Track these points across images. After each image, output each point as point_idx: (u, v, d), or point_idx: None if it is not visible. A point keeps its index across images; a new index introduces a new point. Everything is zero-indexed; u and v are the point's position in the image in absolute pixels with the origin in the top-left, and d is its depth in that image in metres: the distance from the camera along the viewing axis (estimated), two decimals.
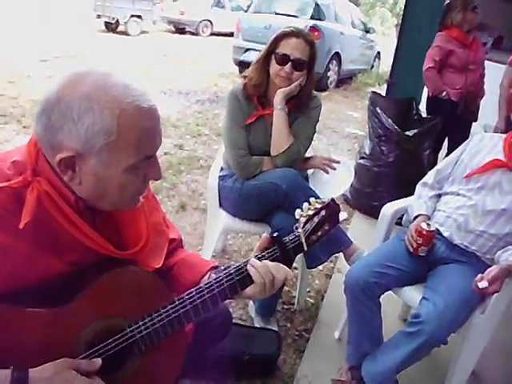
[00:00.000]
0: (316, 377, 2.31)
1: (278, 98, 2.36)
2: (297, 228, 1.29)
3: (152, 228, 1.28)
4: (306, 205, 1.34)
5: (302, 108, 2.45)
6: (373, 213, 3.55)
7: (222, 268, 1.32)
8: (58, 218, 1.08)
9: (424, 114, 4.04)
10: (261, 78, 2.37)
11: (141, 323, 1.15)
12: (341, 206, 3.84)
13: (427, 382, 2.39)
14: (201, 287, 1.19)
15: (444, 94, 3.97)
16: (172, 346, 1.26)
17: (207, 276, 1.35)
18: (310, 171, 2.62)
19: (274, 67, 2.34)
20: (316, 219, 1.31)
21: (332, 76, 9.55)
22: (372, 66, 12.27)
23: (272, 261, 1.23)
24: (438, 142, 4.04)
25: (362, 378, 2.09)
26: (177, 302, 1.17)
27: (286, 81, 2.34)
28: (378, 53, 12.60)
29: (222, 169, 2.56)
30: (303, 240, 1.28)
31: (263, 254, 1.24)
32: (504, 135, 2.26)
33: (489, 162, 2.16)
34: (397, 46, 4.20)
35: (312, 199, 1.35)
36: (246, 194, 2.39)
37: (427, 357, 1.97)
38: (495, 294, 1.94)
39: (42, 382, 0.99)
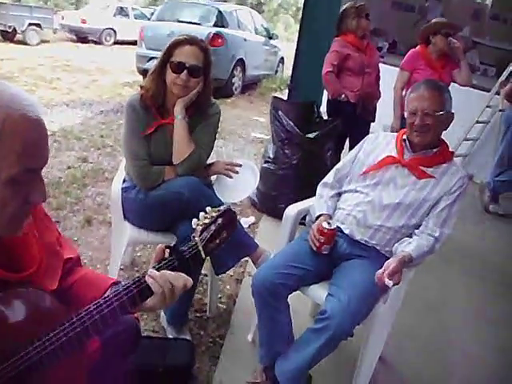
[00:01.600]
0: (232, 381, 2.32)
1: (178, 108, 2.36)
2: (194, 237, 1.30)
3: (45, 249, 1.23)
4: (202, 214, 1.36)
5: (201, 115, 2.47)
6: (280, 215, 3.53)
7: (123, 283, 1.30)
8: None
9: (325, 117, 4.16)
10: (158, 88, 2.36)
11: (37, 344, 1.11)
12: (248, 210, 3.94)
13: (339, 373, 2.46)
14: (99, 302, 1.16)
15: (343, 96, 4.13)
16: (73, 367, 1.21)
17: (108, 292, 1.32)
18: (213, 177, 2.63)
19: (170, 76, 2.33)
20: (213, 227, 1.32)
21: (237, 82, 9.63)
22: (276, 71, 12.50)
23: (171, 270, 1.23)
24: (339, 143, 4.18)
25: (275, 377, 2.12)
26: (74, 319, 1.14)
27: (183, 89, 2.33)
28: (282, 58, 12.86)
29: (124, 180, 2.52)
30: (201, 248, 1.29)
31: (161, 264, 1.24)
32: (396, 133, 2.38)
33: (383, 159, 2.27)
34: (296, 52, 4.29)
35: (208, 208, 1.37)
36: (149, 205, 2.36)
37: (338, 349, 2.03)
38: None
39: None
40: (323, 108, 4.33)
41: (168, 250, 1.28)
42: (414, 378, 2.61)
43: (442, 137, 2.29)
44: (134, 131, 2.36)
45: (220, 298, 2.94)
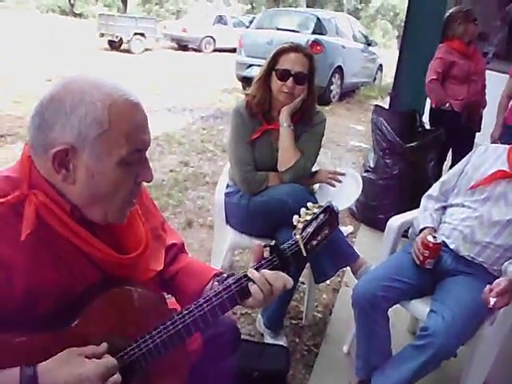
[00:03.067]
0: None
1: (284, 116, 2.39)
2: (295, 234, 1.27)
3: (150, 232, 1.28)
4: (303, 210, 1.32)
5: (306, 122, 2.48)
6: (378, 226, 3.56)
7: (225, 275, 1.33)
8: (57, 227, 1.09)
9: (427, 126, 4.05)
10: (263, 95, 2.41)
11: (141, 341, 1.16)
12: (346, 219, 3.90)
13: None
14: (200, 301, 1.19)
15: (447, 105, 3.99)
16: (176, 364, 1.26)
17: (210, 284, 1.36)
18: (316, 186, 2.64)
19: (275, 83, 2.37)
20: (314, 224, 1.28)
21: (335, 89, 9.59)
22: (374, 79, 12.32)
23: (271, 269, 1.22)
24: (442, 154, 4.05)
25: None
26: (176, 318, 1.18)
27: (289, 96, 2.37)
28: (380, 65, 12.65)
29: (228, 185, 2.58)
30: (302, 246, 1.26)
31: (261, 263, 1.24)
32: (508, 146, 2.27)
33: (493, 173, 2.17)
34: (399, 59, 4.20)
35: (310, 204, 1.34)
36: (252, 210, 2.40)
37: (437, 370, 1.96)
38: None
39: (52, 374, 0.99)
40: (426, 117, 4.21)
41: (268, 249, 1.26)
42: None
43: None
44: (240, 137, 2.42)
45: (316, 306, 2.93)
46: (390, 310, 2.11)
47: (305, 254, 1.28)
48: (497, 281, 1.87)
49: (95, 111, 1.04)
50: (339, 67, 9.53)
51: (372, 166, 3.87)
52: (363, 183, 3.81)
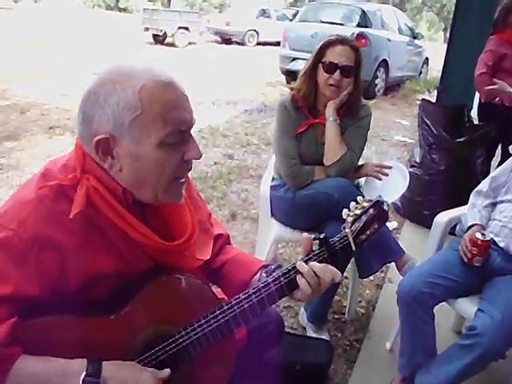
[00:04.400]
0: None
1: (330, 110, 2.38)
2: (344, 228, 1.27)
3: (197, 224, 1.30)
4: (353, 204, 1.31)
5: (352, 116, 2.47)
6: (424, 222, 3.50)
7: (273, 267, 1.34)
8: (105, 211, 1.12)
9: (476, 121, 3.95)
10: (309, 88, 2.40)
11: (190, 329, 1.18)
12: (391, 215, 3.83)
13: None
14: (248, 291, 1.20)
15: (497, 99, 3.88)
16: (222, 352, 1.28)
17: (258, 275, 1.36)
18: (362, 179, 2.61)
19: (322, 76, 2.36)
20: (364, 218, 1.27)
21: (380, 83, 9.46)
22: (420, 73, 12.08)
23: (320, 262, 1.22)
24: (491, 150, 3.93)
25: None
26: (225, 307, 1.19)
27: (335, 90, 2.36)
28: (426, 59, 12.40)
29: (273, 178, 2.59)
30: (351, 240, 1.26)
31: (310, 256, 1.24)
32: None
33: None
34: (447, 52, 4.11)
35: (359, 198, 1.33)
36: (297, 204, 2.41)
37: (484, 371, 1.93)
38: None
39: (115, 371, 1.07)
40: (474, 112, 4.11)
41: (317, 242, 1.25)
42: None
43: None
44: (286, 131, 2.42)
45: (359, 301, 2.91)
46: (435, 307, 2.08)
47: (354, 248, 1.27)
48: None
49: (126, 98, 1.07)
50: (384, 61, 9.38)
51: (418, 161, 3.81)
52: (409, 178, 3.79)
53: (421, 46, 11.89)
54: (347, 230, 1.27)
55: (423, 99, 4.05)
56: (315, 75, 2.40)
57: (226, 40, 18.82)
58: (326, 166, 2.40)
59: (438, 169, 3.64)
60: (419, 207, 3.78)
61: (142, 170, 1.11)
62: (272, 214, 2.59)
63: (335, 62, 2.33)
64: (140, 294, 1.15)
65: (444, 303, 2.11)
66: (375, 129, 6.46)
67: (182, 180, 1.19)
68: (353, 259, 2.40)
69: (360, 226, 1.27)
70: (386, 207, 1.32)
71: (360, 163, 2.55)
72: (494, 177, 2.32)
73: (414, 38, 11.42)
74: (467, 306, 2.07)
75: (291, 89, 2.48)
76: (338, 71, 2.33)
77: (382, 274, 3.19)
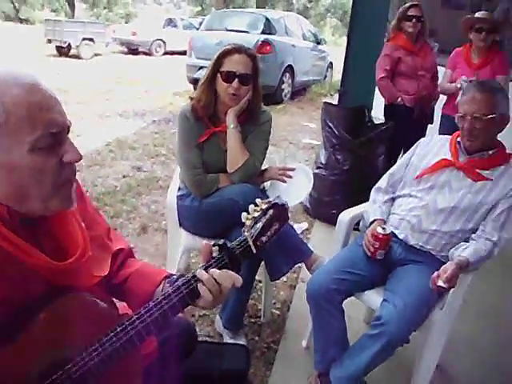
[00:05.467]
0: None
1: (230, 117, 2.40)
2: (244, 231, 1.27)
3: (92, 240, 1.25)
4: (251, 207, 1.32)
5: (253, 122, 2.50)
6: (332, 221, 3.54)
7: (175, 277, 1.33)
8: None
9: (376, 121, 4.12)
10: (208, 97, 2.41)
11: (91, 350, 1.13)
12: (301, 216, 3.93)
13: (395, 380, 2.43)
14: (149, 305, 1.18)
15: (399, 100, 4.09)
16: (129, 368, 1.24)
17: (161, 286, 1.35)
18: (267, 183, 2.66)
19: (221, 85, 2.38)
20: (263, 220, 1.28)
21: (286, 88, 9.65)
22: (325, 77, 12.45)
23: (220, 268, 1.22)
24: (395, 148, 4.10)
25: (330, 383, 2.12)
26: (126, 323, 1.16)
27: (235, 98, 2.38)
28: (331, 63, 12.80)
29: (179, 188, 2.58)
30: (251, 243, 1.26)
31: (210, 263, 1.23)
32: (450, 136, 2.34)
33: (437, 162, 2.24)
34: (346, 56, 4.27)
35: (258, 200, 1.33)
36: (204, 212, 2.41)
37: (393, 356, 2.01)
38: (452, 290, 2.02)
39: None
40: (376, 112, 4.30)
41: (217, 248, 1.24)
42: None
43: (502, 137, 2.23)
44: (188, 141, 2.42)
45: (274, 303, 2.96)
46: (346, 301, 2.15)
47: (254, 250, 1.27)
48: (444, 266, 1.94)
49: None
50: (290, 66, 9.60)
51: (323, 162, 3.92)
52: (315, 180, 3.87)
53: (325, 51, 12.27)
54: (246, 234, 1.27)
55: (325, 102, 4.18)
56: (214, 84, 2.42)
57: (133, 50, 18.53)
58: (229, 173, 2.42)
59: (342, 169, 3.77)
60: (327, 207, 3.88)
61: (19, 180, 1.05)
62: (180, 224, 2.58)
63: (233, 71, 2.35)
64: (34, 320, 1.09)
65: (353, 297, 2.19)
66: (283, 133, 6.60)
67: (70, 184, 1.13)
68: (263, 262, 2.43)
69: (259, 228, 1.28)
70: (285, 207, 1.34)
71: (265, 167, 2.60)
72: (392, 173, 2.43)
73: (318, 43, 11.77)
74: (373, 298, 2.15)
75: (191, 98, 2.49)
76: (236, 80, 2.35)
77: (295, 275, 3.25)
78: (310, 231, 3.94)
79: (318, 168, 3.97)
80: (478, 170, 2.17)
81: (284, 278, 3.16)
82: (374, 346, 1.94)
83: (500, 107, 2.13)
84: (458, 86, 3.80)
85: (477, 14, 4.09)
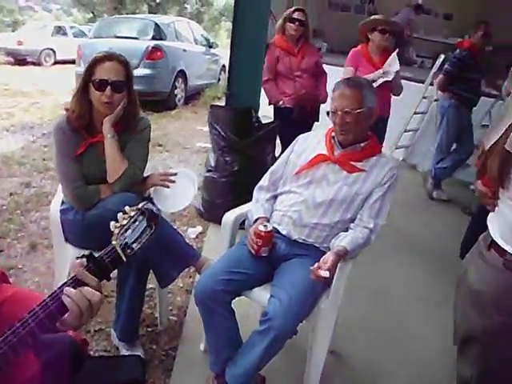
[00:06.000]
0: None
1: (106, 127, 2.36)
2: (112, 240, 1.25)
3: None
4: (120, 215, 1.30)
5: (131, 130, 2.48)
6: None
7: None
8: None
9: (264, 121, 4.20)
10: (83, 108, 2.36)
11: None
12: (195, 219, 3.92)
13: (292, 370, 2.49)
14: (15, 324, 1.14)
15: (281, 102, 4.21)
16: None
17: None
18: (151, 190, 2.63)
19: (94, 94, 2.33)
20: (133, 227, 1.28)
21: (179, 93, 9.59)
22: (219, 79, 12.51)
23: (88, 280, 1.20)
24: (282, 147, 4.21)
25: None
26: None
27: (109, 106, 2.34)
28: (223, 66, 12.86)
29: (62, 202, 2.50)
30: (120, 251, 1.25)
31: (77, 277, 1.20)
32: (325, 132, 2.44)
33: (314, 158, 2.32)
34: (230, 58, 4.29)
35: (127, 208, 1.32)
36: (88, 225, 2.35)
37: (289, 347, 2.07)
38: (335, 278, 2.11)
39: None
40: (270, 112, 4.40)
41: (84, 260, 1.22)
42: (365, 367, 2.68)
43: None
44: (65, 154, 2.36)
45: (171, 310, 2.94)
46: (241, 300, 2.19)
47: (124, 258, 1.26)
48: (323, 257, 2.02)
49: None
50: (182, 71, 9.54)
51: (213, 165, 3.93)
52: (207, 183, 3.93)
53: (217, 55, 12.32)
54: (114, 242, 1.25)
55: (212, 105, 4.21)
56: (87, 94, 2.36)
57: (20, 61, 17.65)
58: (110, 184, 2.38)
59: (231, 170, 3.80)
60: (220, 209, 3.81)
61: None
62: (66, 239, 2.50)
63: (105, 79, 2.31)
64: None
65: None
66: (177, 138, 6.57)
67: None
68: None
69: (128, 235, 1.27)
70: (154, 212, 1.33)
71: (147, 174, 2.58)
72: (272, 171, 2.49)
73: (210, 47, 11.82)
74: (262, 295, 2.19)
75: (66, 110, 2.42)
76: (108, 87, 2.31)
77: (191, 279, 3.25)
78: (205, 234, 3.95)
79: (208, 171, 3.98)
80: (352, 163, 2.28)
81: (180, 284, 3.16)
82: (263, 342, 1.98)
83: (368, 101, 2.26)
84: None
85: (377, 17, 4.34)
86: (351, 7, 13.22)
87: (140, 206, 1.32)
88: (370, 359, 2.74)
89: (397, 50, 4.15)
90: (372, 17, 4.36)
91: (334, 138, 2.34)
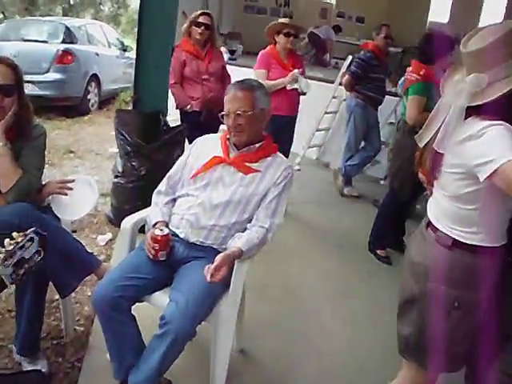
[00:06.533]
0: None
1: None
2: None
3: None
4: (7, 241, 1.30)
5: (25, 138, 2.41)
6: None
7: None
8: None
9: (173, 124, 4.19)
10: None
11: None
12: (106, 226, 3.85)
13: (198, 371, 2.50)
14: None
15: (189, 107, 4.22)
16: None
17: None
18: (50, 198, 2.57)
19: None
20: (19, 252, 1.27)
21: (93, 98, 9.32)
22: None
23: None
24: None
25: None
26: None
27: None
28: None
29: None
30: (3, 277, 1.24)
31: None
32: (221, 134, 2.47)
33: (210, 160, 2.35)
34: (136, 61, 4.24)
35: (15, 234, 1.32)
36: None
37: (195, 348, 2.09)
38: (232, 278, 2.15)
39: None
40: (172, 116, 4.38)
41: None
42: (274, 365, 2.73)
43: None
44: None
45: (78, 320, 2.88)
46: (149, 306, 2.21)
47: (9, 284, 1.25)
48: (216, 258, 2.05)
49: None
50: (95, 75, 9.29)
51: (120, 170, 3.86)
52: (115, 189, 3.87)
53: (132, 58, 12.07)
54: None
55: (117, 110, 4.15)
56: None
57: None
58: (3, 194, 2.31)
59: (139, 175, 3.76)
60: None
61: None
62: None
63: None
64: None
65: None
66: (90, 144, 6.42)
67: None
68: None
69: (15, 261, 1.26)
70: (43, 236, 1.32)
71: (44, 182, 2.52)
72: (170, 175, 2.51)
73: (124, 50, 11.59)
74: (161, 299, 2.18)
75: None
76: None
77: None
78: (115, 241, 3.88)
79: (116, 177, 3.92)
80: (247, 164, 2.32)
81: (88, 292, 3.10)
82: (161, 346, 1.98)
83: (260, 103, 2.31)
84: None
85: (283, 20, 4.43)
86: (267, 10, 13.49)
87: (28, 231, 1.31)
88: (279, 356, 2.80)
89: (297, 70, 4.30)
90: (279, 20, 4.47)
91: (229, 140, 2.37)
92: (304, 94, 4.45)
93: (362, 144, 5.66)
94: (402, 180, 3.80)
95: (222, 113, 2.31)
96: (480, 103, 1.58)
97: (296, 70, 4.26)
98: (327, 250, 4.28)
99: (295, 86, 4.26)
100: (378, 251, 4.19)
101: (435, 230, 1.77)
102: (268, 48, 4.48)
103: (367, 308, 3.44)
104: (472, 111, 1.61)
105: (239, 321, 2.66)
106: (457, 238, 1.70)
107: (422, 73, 3.71)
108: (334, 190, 5.79)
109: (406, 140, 3.60)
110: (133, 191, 3.77)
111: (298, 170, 6.14)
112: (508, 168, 1.46)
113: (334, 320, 3.24)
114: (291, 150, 4.67)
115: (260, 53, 4.51)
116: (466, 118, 1.64)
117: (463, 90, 1.61)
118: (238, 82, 2.41)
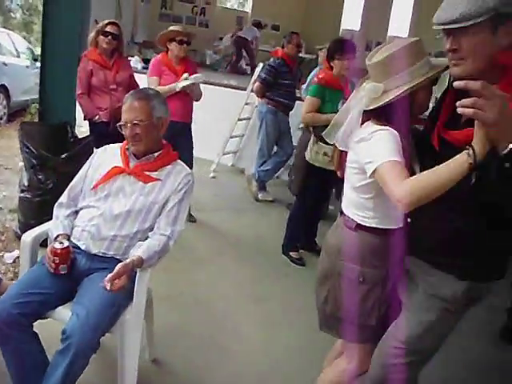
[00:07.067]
0: None
1: None
2: None
3: None
4: None
5: None
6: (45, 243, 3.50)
7: None
8: None
9: (82, 135, 4.12)
10: None
11: None
12: (14, 243, 3.73)
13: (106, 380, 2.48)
14: None
15: (97, 117, 4.17)
16: None
17: None
18: None
19: None
20: None
21: (1, 111, 8.93)
22: None
23: None
24: None
25: None
26: None
27: None
28: None
29: None
30: None
31: None
32: (122, 144, 2.47)
33: (109, 171, 2.35)
34: (41, 72, 4.13)
35: None
36: None
37: (104, 361, 2.05)
38: (135, 287, 2.16)
39: None
40: (83, 127, 4.31)
41: None
42: (187, 372, 2.75)
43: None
44: None
45: None
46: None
47: None
48: (115, 268, 2.06)
49: None
50: (3, 86, 8.94)
51: (26, 184, 3.74)
52: (21, 204, 3.75)
53: None
54: None
55: (22, 122, 4.06)
56: None
57: None
58: None
59: (45, 188, 3.65)
60: None
61: None
62: None
63: None
64: None
65: None
66: None
67: None
68: None
69: None
70: None
71: None
72: (71, 187, 2.47)
73: (35, 60, 11.21)
74: (64, 313, 2.14)
75: None
76: None
77: None
78: None
79: (22, 191, 3.78)
80: (147, 173, 2.34)
81: None
82: (64, 361, 1.94)
83: (157, 112, 2.33)
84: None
85: (175, 28, 4.45)
86: (183, 18, 13.53)
87: None
88: (192, 363, 2.82)
89: (187, 74, 4.34)
90: (170, 28, 4.48)
91: (128, 149, 2.38)
92: (197, 100, 4.53)
93: (275, 149, 5.79)
94: (294, 173, 4.01)
95: (120, 123, 2.31)
96: (372, 108, 1.84)
97: (186, 74, 4.29)
98: (240, 256, 4.33)
99: (188, 82, 4.27)
100: (292, 253, 4.30)
101: (344, 216, 2.07)
102: (159, 55, 4.53)
103: (282, 309, 3.53)
104: (370, 115, 1.87)
105: (149, 330, 2.67)
106: (359, 221, 2.00)
107: (320, 76, 3.89)
108: (248, 195, 5.87)
109: (303, 136, 4.10)
110: (40, 205, 3.67)
111: (213, 177, 6.19)
112: (383, 168, 1.73)
113: (247, 323, 3.29)
114: (205, 157, 4.71)
115: (152, 60, 4.55)
116: (365, 121, 1.91)
117: (363, 96, 1.86)
118: (135, 91, 2.43)
